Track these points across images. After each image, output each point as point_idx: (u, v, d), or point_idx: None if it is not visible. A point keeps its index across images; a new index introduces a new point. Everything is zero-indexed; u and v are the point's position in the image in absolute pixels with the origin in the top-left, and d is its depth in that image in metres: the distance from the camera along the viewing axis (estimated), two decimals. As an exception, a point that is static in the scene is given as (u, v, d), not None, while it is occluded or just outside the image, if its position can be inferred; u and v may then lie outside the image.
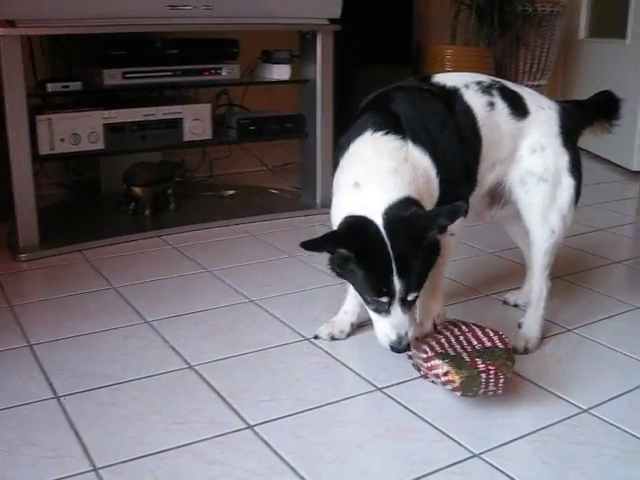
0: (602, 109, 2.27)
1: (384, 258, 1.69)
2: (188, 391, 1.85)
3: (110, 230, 3.19)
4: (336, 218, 1.81)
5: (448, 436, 1.67)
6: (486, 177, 2.03)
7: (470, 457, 1.59)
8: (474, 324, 1.97)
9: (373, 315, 1.80)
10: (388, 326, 1.76)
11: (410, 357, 1.94)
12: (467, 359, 1.76)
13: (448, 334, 1.93)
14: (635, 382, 1.93)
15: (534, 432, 1.70)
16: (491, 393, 1.76)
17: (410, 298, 1.75)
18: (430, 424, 1.71)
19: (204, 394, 1.83)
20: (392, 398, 1.82)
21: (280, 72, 3.45)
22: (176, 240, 3.05)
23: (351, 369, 1.97)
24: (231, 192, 3.74)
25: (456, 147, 1.89)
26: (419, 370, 1.91)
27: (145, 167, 3.30)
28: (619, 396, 1.86)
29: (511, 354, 1.81)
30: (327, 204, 3.48)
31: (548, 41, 4.80)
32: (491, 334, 1.88)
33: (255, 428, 1.68)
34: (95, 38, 3.01)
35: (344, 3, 3.32)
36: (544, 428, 1.71)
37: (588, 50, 5.34)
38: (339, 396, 1.83)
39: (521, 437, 1.68)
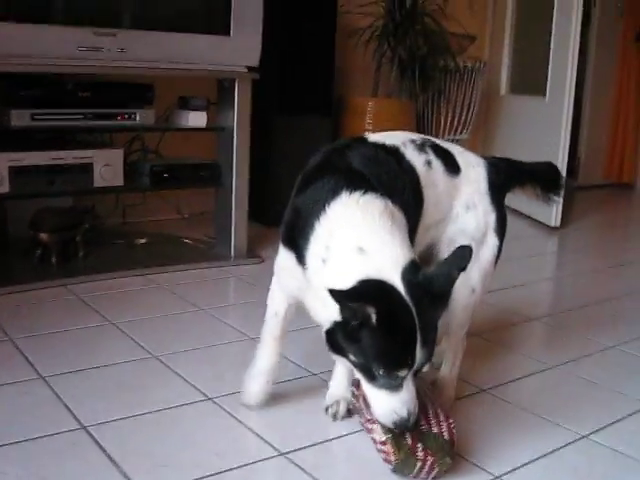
0: (540, 178, 2.24)
1: (409, 325, 1.52)
2: (77, 455, 1.72)
3: (13, 277, 3.04)
4: (333, 284, 1.55)
5: (353, 506, 1.59)
6: (421, 239, 1.93)
7: (375, 529, 1.51)
8: (426, 394, 1.86)
9: (374, 391, 1.60)
10: (398, 402, 1.57)
11: (354, 397, 1.85)
12: (409, 441, 1.67)
13: None
14: (549, 446, 1.87)
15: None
16: (422, 478, 1.69)
17: (425, 369, 1.60)
18: (335, 492, 1.63)
19: (95, 459, 1.71)
20: (295, 464, 1.73)
21: (196, 119, 3.38)
22: (82, 290, 2.91)
23: (254, 432, 1.88)
24: (143, 240, 3.63)
25: (413, 205, 1.82)
26: (358, 414, 1.84)
27: (53, 212, 3.18)
28: (532, 462, 1.80)
29: (453, 450, 1.71)
30: (241, 255, 3.48)
31: (469, 96, 4.84)
32: (441, 418, 1.77)
33: (148, 497, 1.58)
34: (3, 77, 2.89)
35: (263, 52, 3.27)
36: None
37: (509, 106, 5.43)
38: (240, 462, 1.72)
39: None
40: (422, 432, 1.70)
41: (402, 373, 1.55)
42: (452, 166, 1.99)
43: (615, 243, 4.63)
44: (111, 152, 3.20)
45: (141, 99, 3.29)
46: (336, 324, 1.57)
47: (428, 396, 1.87)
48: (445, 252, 1.94)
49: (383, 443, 1.67)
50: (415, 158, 1.90)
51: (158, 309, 2.74)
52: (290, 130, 4.06)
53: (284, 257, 1.81)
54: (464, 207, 1.99)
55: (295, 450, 1.79)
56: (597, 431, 1.98)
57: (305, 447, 1.81)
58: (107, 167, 3.14)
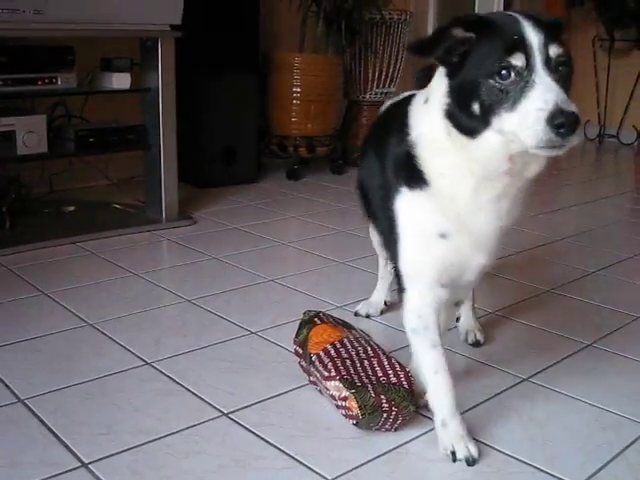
0: None
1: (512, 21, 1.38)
2: (16, 428, 1.68)
3: (-63, 251, 2.95)
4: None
5: (299, 461, 1.58)
6: None
7: (322, 483, 1.51)
8: (378, 347, 1.88)
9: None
10: (539, 99, 1.31)
11: (298, 356, 1.84)
12: (372, 394, 1.67)
13: (353, 354, 1.82)
14: (491, 391, 1.90)
15: (389, 451, 1.63)
16: (384, 430, 1.70)
17: (555, 54, 1.36)
18: (280, 449, 1.62)
19: (34, 431, 1.67)
20: (238, 423, 1.72)
21: (120, 81, 3.29)
22: (11, 261, 2.84)
23: (195, 394, 1.85)
24: (71, 208, 3.55)
25: None
26: (309, 376, 1.85)
27: (-25, 183, 3.08)
28: (476, 406, 1.82)
29: (414, 397, 1.72)
30: (173, 218, 3.42)
31: (396, 49, 4.81)
32: (397, 368, 1.77)
33: (90, 466, 1.55)
34: None
35: (186, 10, 3.20)
36: (399, 447, 1.65)
37: (435, 58, 5.42)
38: (182, 425, 1.70)
39: (376, 457, 1.61)
40: (382, 384, 1.71)
41: (518, 61, 1.34)
42: None
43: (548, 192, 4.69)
44: (33, 118, 3.09)
45: (61, 62, 3.19)
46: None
47: (381, 348, 1.88)
48: None
49: (344, 399, 1.68)
50: None
51: (91, 276, 2.68)
52: (217, 88, 4.00)
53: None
54: None
55: (238, 410, 1.78)
56: (537, 373, 2.01)
57: (247, 406, 1.80)
58: (30, 134, 3.05)
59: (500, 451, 1.64)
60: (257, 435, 1.67)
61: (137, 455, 1.59)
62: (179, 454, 1.60)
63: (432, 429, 1.69)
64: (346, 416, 1.70)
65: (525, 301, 2.55)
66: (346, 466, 1.57)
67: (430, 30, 5.51)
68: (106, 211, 3.57)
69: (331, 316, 2.04)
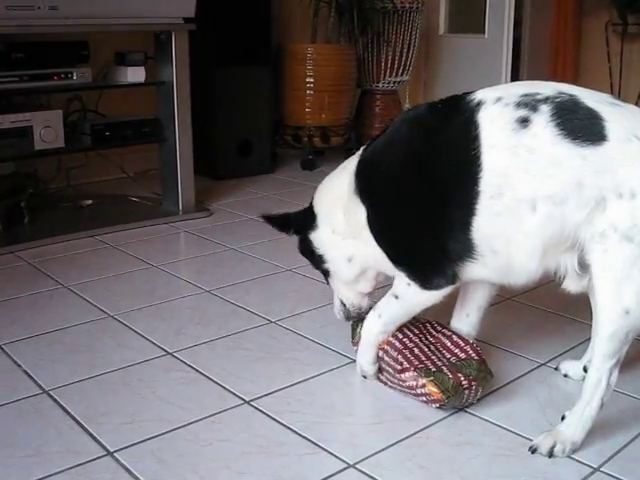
0: None
1: None
2: (42, 419, 1.71)
3: (-41, 247, 2.98)
4: None
5: (321, 447, 1.60)
6: (539, 221, 1.65)
7: (345, 468, 1.53)
8: (433, 327, 1.92)
9: None
10: None
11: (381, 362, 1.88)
12: (450, 375, 1.70)
13: (418, 341, 1.85)
14: (511, 375, 1.91)
15: (409, 437, 1.65)
16: (467, 404, 1.74)
17: None
18: (301, 436, 1.64)
19: (59, 421, 1.70)
20: (261, 411, 1.74)
21: (135, 75, 3.32)
22: (31, 255, 2.87)
23: (216, 382, 1.88)
24: (89, 202, 3.57)
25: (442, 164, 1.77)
26: (385, 382, 1.87)
27: (-6, 179, 3.12)
28: (496, 390, 1.84)
29: (487, 366, 1.76)
30: (189, 210, 3.45)
31: (409, 37, 4.81)
32: (462, 344, 1.82)
33: (115, 454, 1.57)
34: None
35: (199, 3, 3.21)
36: (419, 431, 1.67)
37: (448, 45, 5.42)
38: (205, 413, 1.73)
39: (396, 442, 1.63)
40: (454, 364, 1.74)
41: None
42: (584, 132, 1.52)
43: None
44: (50, 113, 3.12)
45: (77, 57, 3.22)
46: None
47: (436, 327, 1.92)
48: (595, 250, 1.53)
49: (423, 386, 1.71)
50: (495, 116, 1.59)
51: (110, 269, 2.71)
52: (231, 81, 4.02)
53: None
54: (615, 193, 1.50)
55: (259, 397, 1.80)
56: (554, 358, 2.02)
57: (269, 394, 1.82)
58: (47, 129, 3.08)
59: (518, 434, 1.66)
60: (279, 422, 1.69)
61: (161, 443, 1.61)
62: (203, 441, 1.62)
63: (451, 414, 1.72)
64: (427, 402, 1.73)
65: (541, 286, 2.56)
66: (367, 451, 1.59)
67: (442, 19, 5.50)
68: (123, 204, 3.59)
69: None
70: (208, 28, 3.70)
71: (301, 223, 1.98)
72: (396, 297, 1.79)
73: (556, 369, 1.97)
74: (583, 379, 1.67)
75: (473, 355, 1.78)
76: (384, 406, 1.75)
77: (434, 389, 1.69)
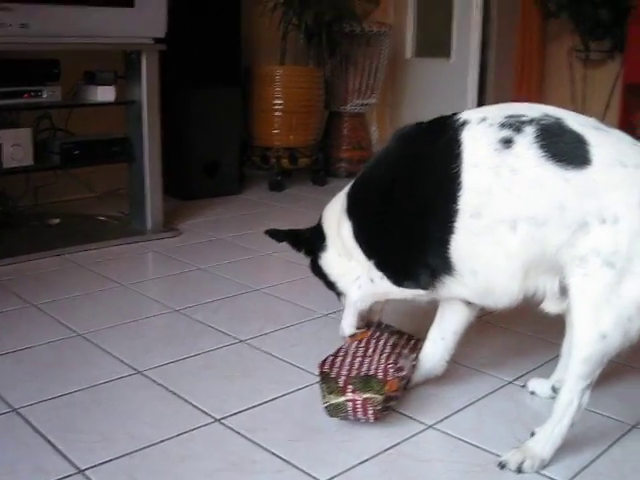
0: None
1: None
2: (11, 437, 1.70)
3: None
4: None
5: (293, 465, 1.61)
6: (520, 241, 1.69)
7: (315, 485, 1.54)
8: (387, 343, 1.91)
9: None
10: None
11: None
12: (341, 384, 1.71)
13: (353, 351, 1.86)
14: (479, 393, 1.94)
15: (380, 453, 1.67)
16: (362, 420, 1.73)
17: None
18: (273, 453, 1.65)
19: (30, 439, 1.69)
20: (232, 429, 1.75)
21: (104, 94, 3.32)
22: (-2, 273, 2.86)
23: (187, 401, 1.88)
24: (57, 221, 3.55)
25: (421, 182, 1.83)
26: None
27: (-39, 197, 3.10)
28: (464, 408, 1.86)
29: (384, 388, 1.71)
30: (158, 229, 3.44)
31: (376, 61, 4.87)
32: (390, 361, 1.80)
33: (86, 472, 1.57)
34: None
35: (169, 23, 3.23)
36: (390, 448, 1.69)
37: (415, 69, 5.49)
38: (176, 431, 1.73)
39: (367, 459, 1.64)
40: (357, 376, 1.74)
41: None
42: (568, 155, 1.53)
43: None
44: (19, 131, 3.12)
45: (47, 76, 3.21)
46: None
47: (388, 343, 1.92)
48: (575, 274, 1.55)
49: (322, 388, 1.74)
50: (479, 135, 1.61)
51: (79, 288, 2.70)
52: (199, 101, 4.03)
53: None
54: (598, 218, 1.51)
55: (230, 415, 1.81)
56: (522, 376, 2.05)
57: (240, 412, 1.83)
58: (16, 147, 3.07)
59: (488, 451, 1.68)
60: (250, 440, 1.70)
61: (132, 461, 1.61)
62: (175, 459, 1.62)
63: (422, 430, 1.74)
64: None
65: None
66: (339, 468, 1.60)
67: (409, 43, 5.56)
68: (91, 223, 3.58)
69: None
70: (178, 48, 3.72)
71: (312, 244, 2.02)
72: (372, 281, 1.83)
73: (523, 387, 1.99)
74: (550, 397, 1.70)
75: (380, 373, 1.74)
76: (354, 423, 1.76)
77: (325, 392, 1.72)
